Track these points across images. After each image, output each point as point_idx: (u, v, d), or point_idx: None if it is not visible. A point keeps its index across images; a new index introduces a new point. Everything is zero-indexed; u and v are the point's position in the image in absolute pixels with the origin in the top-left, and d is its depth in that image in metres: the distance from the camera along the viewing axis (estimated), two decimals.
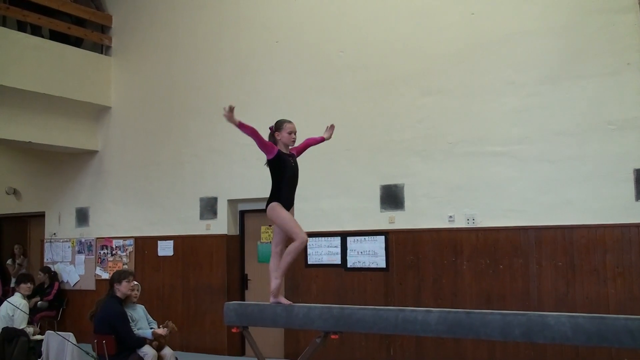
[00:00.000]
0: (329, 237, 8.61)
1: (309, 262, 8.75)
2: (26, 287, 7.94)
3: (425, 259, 8.01)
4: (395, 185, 8.29)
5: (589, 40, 7.33)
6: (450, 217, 7.90)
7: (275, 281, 5.16)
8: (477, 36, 7.95)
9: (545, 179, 7.41)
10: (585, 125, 7.28)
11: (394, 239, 8.21)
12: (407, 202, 8.20)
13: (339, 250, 8.54)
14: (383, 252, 8.25)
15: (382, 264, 8.25)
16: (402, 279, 8.13)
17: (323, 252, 8.63)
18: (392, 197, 8.29)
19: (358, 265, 8.44)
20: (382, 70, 8.51)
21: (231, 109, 4.95)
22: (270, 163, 5.17)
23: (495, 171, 7.72)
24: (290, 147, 5.29)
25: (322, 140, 5.61)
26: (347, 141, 8.58)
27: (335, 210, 8.62)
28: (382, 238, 8.28)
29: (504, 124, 7.69)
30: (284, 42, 9.26)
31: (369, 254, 8.35)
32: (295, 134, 5.26)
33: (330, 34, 8.93)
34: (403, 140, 8.33)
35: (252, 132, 5.01)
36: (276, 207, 5.09)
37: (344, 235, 8.53)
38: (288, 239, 5.12)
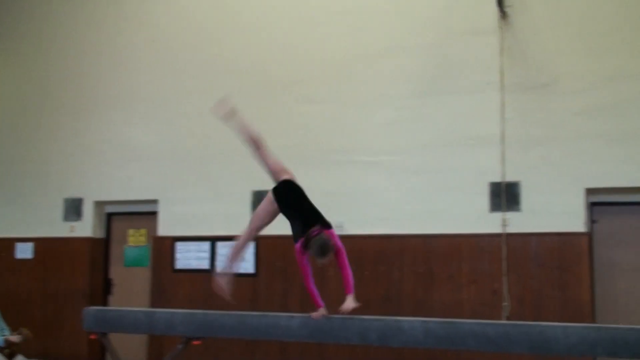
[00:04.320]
0: (199, 242, 8.52)
1: (176, 267, 8.60)
2: None
3: (293, 265, 8.03)
4: (268, 191, 8.31)
5: (454, 59, 7.74)
6: None
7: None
8: (355, 48, 8.18)
9: (411, 189, 7.73)
10: (448, 140, 7.66)
11: (264, 245, 8.24)
12: None
13: (208, 255, 8.46)
14: (252, 257, 8.26)
15: (251, 270, 8.26)
16: (270, 284, 8.18)
17: (192, 257, 8.52)
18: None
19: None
20: (261, 76, 8.55)
21: None
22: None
23: (365, 180, 7.96)
24: None
25: None
26: (221, 145, 8.56)
27: (205, 215, 8.54)
28: (252, 243, 8.27)
29: (376, 135, 7.94)
30: (163, 41, 9.08)
31: None
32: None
33: (211, 36, 8.86)
34: (278, 147, 8.29)
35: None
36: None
37: (213, 240, 8.46)
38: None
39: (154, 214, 8.88)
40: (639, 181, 7.05)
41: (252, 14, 8.71)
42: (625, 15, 7.28)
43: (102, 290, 9.29)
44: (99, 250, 9.32)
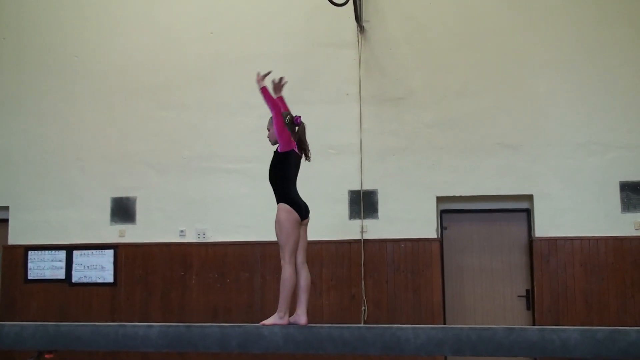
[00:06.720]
0: (53, 251, 8.15)
1: (29, 278, 8.17)
2: None
3: (155, 273, 7.97)
4: (128, 198, 8.14)
5: (315, 70, 7.96)
6: (182, 231, 7.98)
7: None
8: (216, 55, 8.20)
9: (272, 196, 7.76)
10: (310, 148, 7.83)
11: (124, 253, 8.05)
12: (139, 216, 8.12)
13: (63, 264, 8.13)
14: (111, 266, 8.03)
15: (110, 279, 8.03)
16: (130, 293, 7.99)
17: (46, 267, 8.14)
18: (123, 210, 8.13)
19: (84, 280, 8.10)
20: (120, 80, 8.35)
21: (263, 76, 4.82)
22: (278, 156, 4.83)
23: (226, 187, 7.98)
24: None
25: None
26: (79, 150, 8.29)
27: (61, 222, 8.20)
28: (111, 252, 8.06)
29: (237, 142, 7.99)
30: (13, 39, 8.60)
31: (96, 268, 8.07)
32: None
33: (66, 36, 8.52)
34: (138, 152, 8.24)
35: (274, 107, 4.77)
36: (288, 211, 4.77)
37: (69, 249, 8.13)
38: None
39: (4, 221, 8.38)
40: (483, 190, 7.62)
41: (110, 17, 8.48)
42: (470, 35, 7.84)
43: None
44: None
